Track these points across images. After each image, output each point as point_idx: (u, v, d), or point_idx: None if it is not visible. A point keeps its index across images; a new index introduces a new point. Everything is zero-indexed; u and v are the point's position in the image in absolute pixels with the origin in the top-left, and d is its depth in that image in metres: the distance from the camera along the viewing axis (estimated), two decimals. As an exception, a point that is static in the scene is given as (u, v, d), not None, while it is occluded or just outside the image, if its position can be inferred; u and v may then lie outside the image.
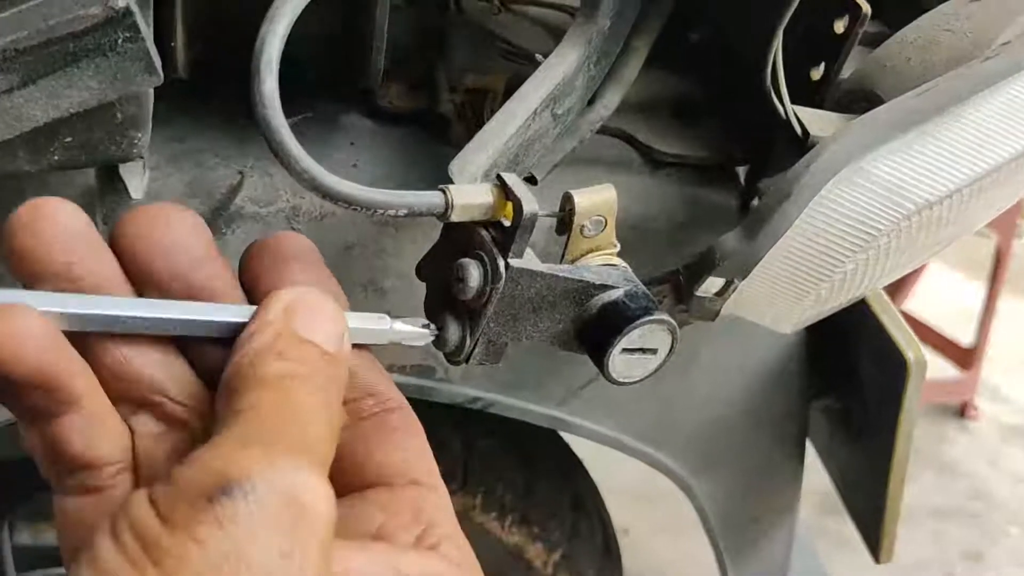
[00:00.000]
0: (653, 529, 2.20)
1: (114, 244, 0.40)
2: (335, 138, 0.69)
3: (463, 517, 0.95)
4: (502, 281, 0.46)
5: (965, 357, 2.95)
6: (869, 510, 0.99)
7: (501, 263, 0.46)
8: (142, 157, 0.54)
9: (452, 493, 0.94)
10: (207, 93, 0.67)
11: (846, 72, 0.74)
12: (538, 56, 0.58)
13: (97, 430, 0.39)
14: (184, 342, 0.41)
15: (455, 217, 0.47)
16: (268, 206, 0.65)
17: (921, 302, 3.05)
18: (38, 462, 0.40)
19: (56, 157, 0.50)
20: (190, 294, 0.40)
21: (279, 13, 0.46)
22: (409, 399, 0.45)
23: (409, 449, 0.44)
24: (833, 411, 1.04)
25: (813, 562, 1.47)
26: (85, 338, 0.38)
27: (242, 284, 0.43)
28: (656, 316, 0.49)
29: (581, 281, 0.49)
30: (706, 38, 0.79)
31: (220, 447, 0.34)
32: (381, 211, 0.46)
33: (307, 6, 0.47)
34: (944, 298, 3.12)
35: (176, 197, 0.63)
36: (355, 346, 0.43)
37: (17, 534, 1.21)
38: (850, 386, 1.00)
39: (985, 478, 2.76)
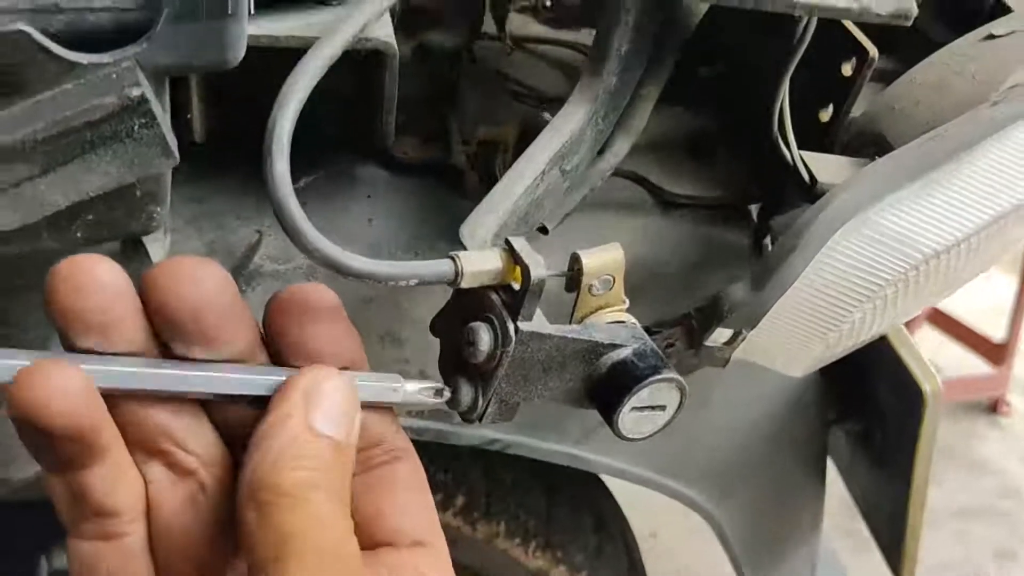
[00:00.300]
0: (681, 533, 2.19)
1: (141, 296, 0.41)
2: (353, 191, 0.71)
3: (487, 544, 0.96)
4: (512, 345, 0.47)
5: (997, 353, 2.90)
6: (890, 533, 1.00)
7: (511, 326, 0.47)
8: (161, 227, 0.56)
9: (476, 521, 0.96)
10: (225, 154, 0.68)
11: (858, 110, 0.75)
12: (546, 115, 0.59)
13: (118, 480, 0.40)
14: None
15: (465, 284, 0.47)
16: (287, 263, 0.66)
17: (952, 297, 3.01)
18: (57, 506, 0.42)
19: (79, 234, 0.52)
20: (214, 348, 0.42)
21: (289, 95, 0.47)
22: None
23: (413, 507, 0.46)
24: (854, 433, 1.05)
25: (837, 574, 1.47)
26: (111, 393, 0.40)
27: (266, 335, 0.44)
28: (664, 375, 0.50)
29: (590, 341, 0.50)
30: (716, 74, 0.79)
31: None
32: (392, 283, 0.47)
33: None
34: (975, 293, 3.08)
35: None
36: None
37: (56, 558, 1.24)
38: (870, 411, 1.00)
39: (1016, 475, 2.73)
